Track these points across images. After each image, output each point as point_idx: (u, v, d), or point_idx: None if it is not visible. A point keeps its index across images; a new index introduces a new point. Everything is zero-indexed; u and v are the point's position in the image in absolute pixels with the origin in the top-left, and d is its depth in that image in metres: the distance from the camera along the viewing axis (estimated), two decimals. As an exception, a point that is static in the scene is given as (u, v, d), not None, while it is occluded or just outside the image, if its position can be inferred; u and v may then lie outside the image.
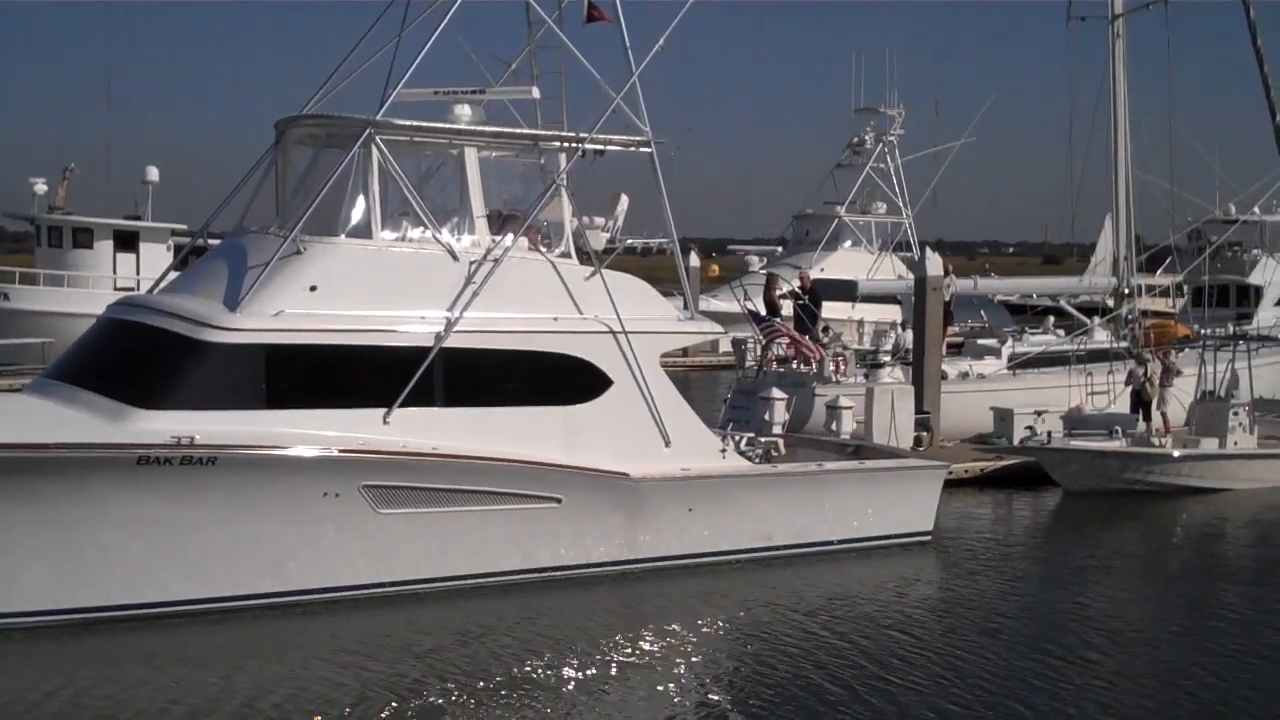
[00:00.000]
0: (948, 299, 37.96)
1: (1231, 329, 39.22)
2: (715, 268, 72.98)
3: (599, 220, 23.11)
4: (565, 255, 22.18)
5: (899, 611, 20.29)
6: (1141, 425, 31.63)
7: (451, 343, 20.16)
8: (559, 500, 20.76)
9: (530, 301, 21.23)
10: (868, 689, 16.50)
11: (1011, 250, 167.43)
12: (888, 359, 33.10)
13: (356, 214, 20.72)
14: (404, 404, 19.72)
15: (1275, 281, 59.97)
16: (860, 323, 43.04)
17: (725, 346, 46.19)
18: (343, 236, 20.51)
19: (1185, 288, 52.52)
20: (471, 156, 21.77)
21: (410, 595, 19.83)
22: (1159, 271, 51.11)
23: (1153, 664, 17.98)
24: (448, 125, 21.74)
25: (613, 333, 21.52)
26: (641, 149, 22.76)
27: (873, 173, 68.28)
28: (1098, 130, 40.48)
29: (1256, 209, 60.93)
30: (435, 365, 20.01)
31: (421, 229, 21.02)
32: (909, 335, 35.52)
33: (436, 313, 20.31)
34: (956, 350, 37.81)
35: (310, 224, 20.19)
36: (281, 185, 22.27)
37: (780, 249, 71.62)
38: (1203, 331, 38.15)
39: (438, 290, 20.52)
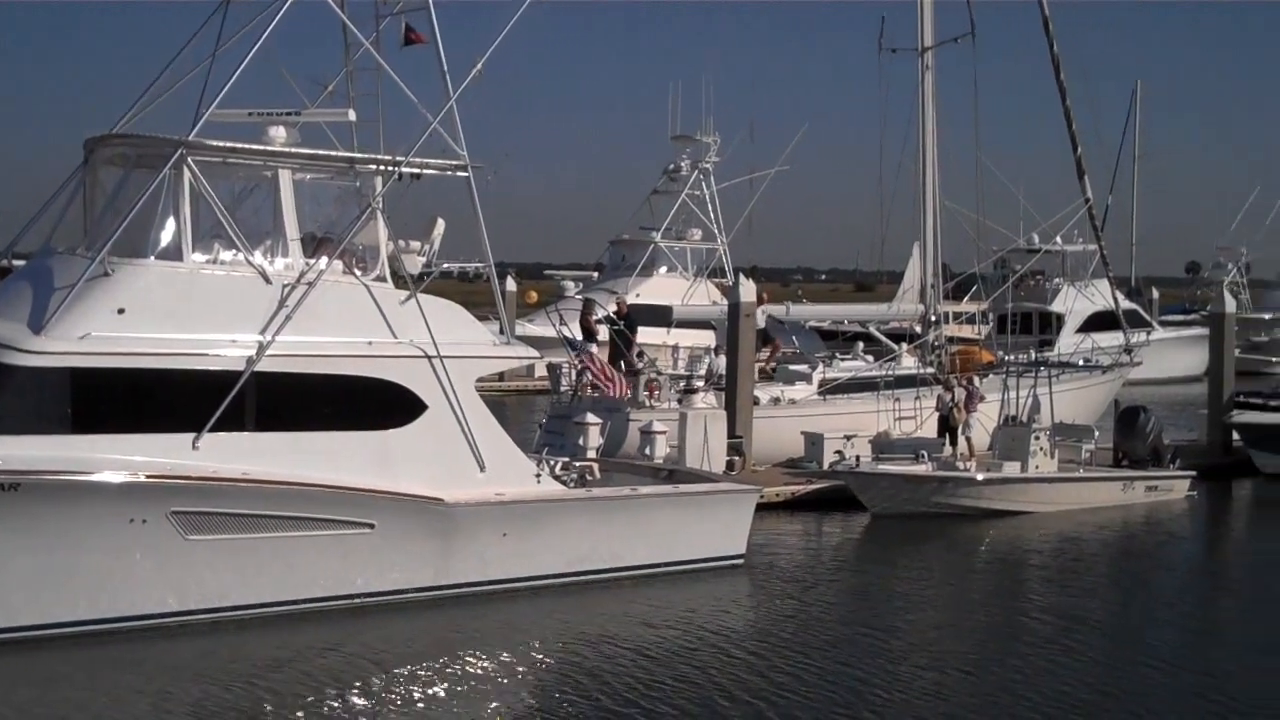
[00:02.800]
0: (762, 325, 38.51)
1: (1033, 356, 40.29)
2: (532, 293, 72.90)
3: (415, 244, 23.03)
4: (380, 279, 22.06)
5: (713, 633, 20.51)
6: (947, 449, 32.38)
7: (264, 366, 19.93)
8: (372, 526, 20.64)
9: (344, 325, 21.07)
10: (681, 710, 16.68)
11: (824, 277, 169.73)
12: (701, 384, 33.45)
13: (167, 236, 20.40)
14: (214, 428, 19.45)
15: (1076, 309, 61.72)
16: (675, 348, 43.38)
17: (541, 371, 46.21)
18: (152, 258, 20.18)
19: (990, 315, 53.92)
20: (285, 178, 21.59)
21: (221, 623, 19.54)
22: (965, 299, 52.36)
23: (959, 677, 18.48)
24: (262, 147, 21.51)
25: (428, 357, 21.46)
26: (458, 173, 22.74)
27: (689, 199, 68.81)
28: (907, 160, 41.40)
29: (1058, 239, 62.71)
30: (247, 389, 19.76)
31: (234, 251, 20.76)
32: (722, 360, 35.92)
33: (248, 336, 20.06)
34: (768, 375, 38.28)
35: (119, 245, 19.85)
36: (90, 205, 21.86)
37: (597, 274, 71.90)
38: (1006, 358, 39.15)
39: (250, 313, 20.27)
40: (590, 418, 27.63)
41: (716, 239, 68.65)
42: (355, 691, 17.19)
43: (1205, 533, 32.13)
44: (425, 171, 22.45)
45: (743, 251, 69.01)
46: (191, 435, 19.34)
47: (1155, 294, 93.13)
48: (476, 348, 22.54)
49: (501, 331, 23.89)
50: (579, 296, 56.55)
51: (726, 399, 33.37)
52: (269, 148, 21.53)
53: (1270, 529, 33.28)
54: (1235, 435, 38.27)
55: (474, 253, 24.03)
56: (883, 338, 44.05)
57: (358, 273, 21.91)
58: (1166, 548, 29.32)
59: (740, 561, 24.73)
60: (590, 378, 32.05)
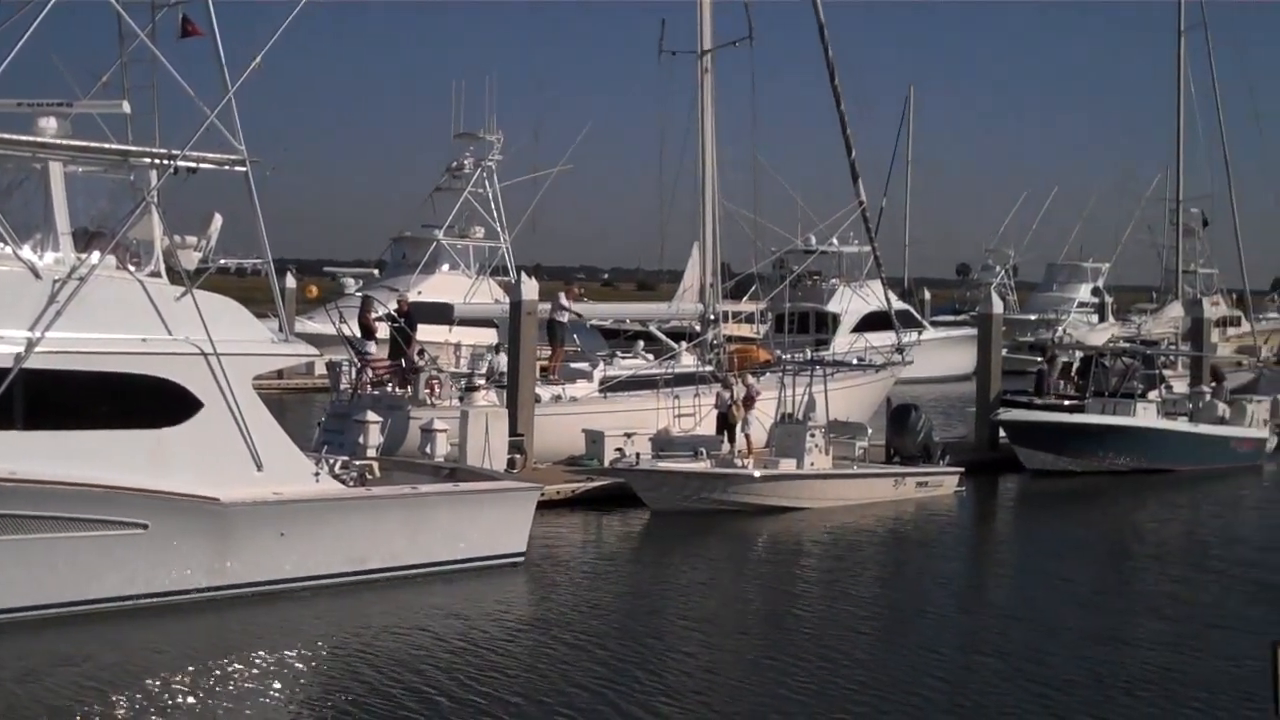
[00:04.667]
0: (564, 320, 38.65)
1: (809, 354, 41.05)
2: (313, 289, 71.83)
3: (191, 239, 22.65)
4: (155, 275, 21.70)
5: (491, 632, 20.59)
6: (725, 447, 32.85)
7: (33, 364, 19.44)
8: (145, 526, 20.29)
9: (117, 322, 20.65)
10: (461, 710, 16.74)
11: (607, 276, 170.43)
12: (483, 382, 33.47)
13: (-70, 228, 19.81)
14: (-20, 427, 18.94)
15: (851, 310, 63.12)
16: (457, 346, 43.22)
17: (320, 369, 45.73)
18: (-85, 251, 19.59)
19: (768, 314, 54.79)
20: (56, 171, 21.08)
21: (-10, 625, 19.06)
22: (744, 298, 53.08)
23: (740, 667, 18.90)
24: (31, 138, 20.97)
25: (204, 355, 21.14)
26: (236, 168, 22.44)
27: (472, 197, 68.48)
28: (688, 161, 41.82)
29: (834, 240, 64.01)
30: (15, 387, 19.27)
31: (1, 245, 20.22)
32: (504, 359, 35.97)
33: (17, 333, 19.55)
34: (550, 373, 38.43)
35: (-121, 238, 19.21)
36: None
37: (378, 271, 71.22)
38: (783, 356, 39.84)
39: (18, 309, 19.74)
40: (370, 416, 27.51)
41: (499, 237, 68.52)
42: (131, 693, 16.93)
43: (973, 525, 33.13)
44: (202, 166, 22.09)
45: (526, 250, 69.04)
46: (-44, 434, 18.82)
47: (927, 295, 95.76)
48: (254, 345, 22.29)
49: (280, 329, 23.66)
50: (359, 294, 56.04)
51: (508, 397, 33.43)
52: (39, 139, 21.00)
53: (1034, 521, 34.50)
54: (1001, 432, 39.50)
55: (252, 248, 23.73)
56: (663, 336, 44.54)
57: (131, 268, 21.52)
58: (937, 540, 30.14)
59: (521, 559, 24.83)
60: (379, 372, 32.11)
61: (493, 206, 69.03)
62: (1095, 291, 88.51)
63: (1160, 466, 38.95)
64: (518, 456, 31.59)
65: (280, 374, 48.42)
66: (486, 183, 68.81)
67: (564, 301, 38.91)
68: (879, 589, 25.00)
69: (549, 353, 38.30)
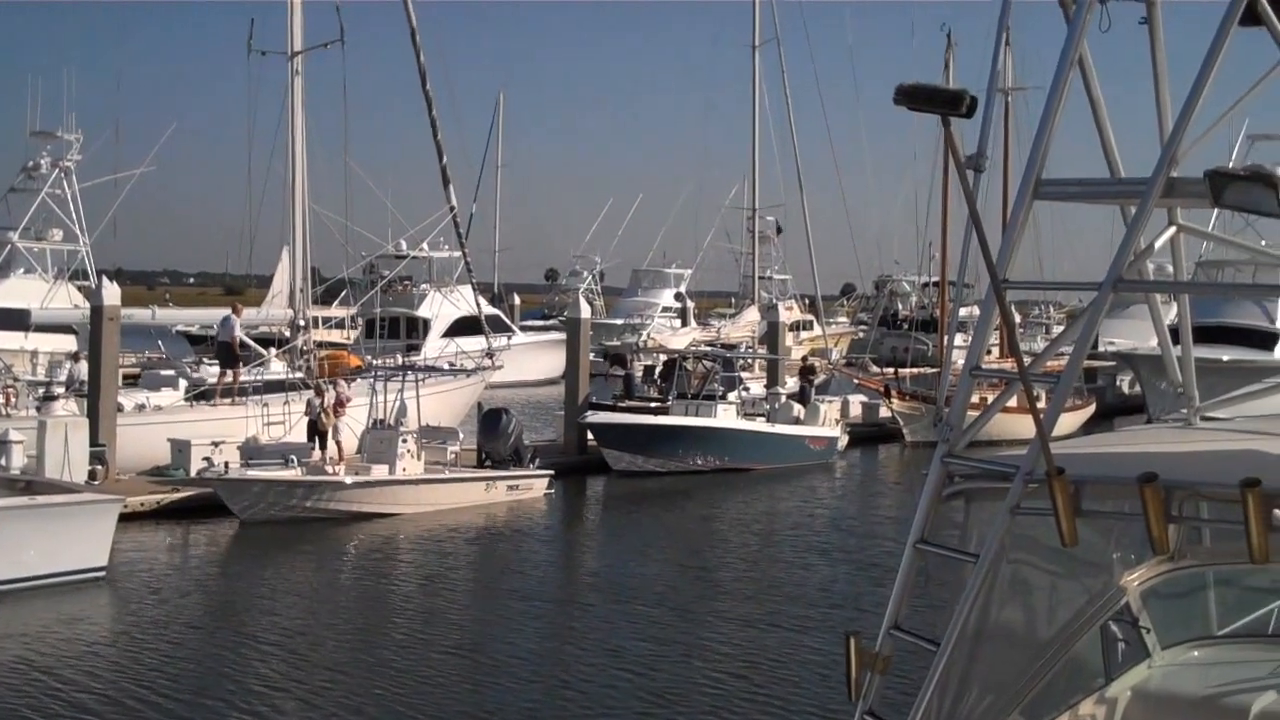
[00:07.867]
0: (232, 340, 37.62)
1: (401, 360, 41.13)
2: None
3: None
4: None
5: (70, 649, 20.03)
6: (316, 454, 32.62)
7: None
8: None
9: None
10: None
11: (192, 280, 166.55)
12: (62, 391, 32.36)
13: None
14: None
15: (442, 314, 63.35)
16: (34, 353, 41.64)
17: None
18: None
19: (359, 319, 54.63)
20: None
21: None
22: (334, 303, 52.78)
23: (329, 676, 18.82)
24: None
25: None
26: None
27: (49, 198, 65.80)
28: (277, 163, 41.34)
29: (425, 245, 64.20)
30: None
31: None
32: (84, 366, 34.86)
33: None
34: (133, 381, 37.42)
35: None
36: None
37: (-53, 276, 67.72)
38: (374, 362, 39.81)
39: None
40: (-61, 428, 26.28)
41: (79, 240, 66.06)
42: None
43: (564, 525, 33.70)
44: None
45: (107, 253, 66.92)
46: None
47: (516, 300, 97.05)
48: None
49: None
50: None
51: (89, 406, 32.40)
52: None
53: (624, 518, 35.24)
54: (590, 435, 40.42)
55: None
56: (251, 343, 43.87)
57: None
58: (531, 540, 30.67)
59: (103, 574, 24.15)
60: None
61: (71, 208, 66.51)
62: (678, 297, 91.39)
63: (740, 465, 40.53)
64: (99, 467, 30.68)
65: None
66: (65, 183, 66.17)
67: (234, 320, 37.91)
68: (479, 588, 25.36)
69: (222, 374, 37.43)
